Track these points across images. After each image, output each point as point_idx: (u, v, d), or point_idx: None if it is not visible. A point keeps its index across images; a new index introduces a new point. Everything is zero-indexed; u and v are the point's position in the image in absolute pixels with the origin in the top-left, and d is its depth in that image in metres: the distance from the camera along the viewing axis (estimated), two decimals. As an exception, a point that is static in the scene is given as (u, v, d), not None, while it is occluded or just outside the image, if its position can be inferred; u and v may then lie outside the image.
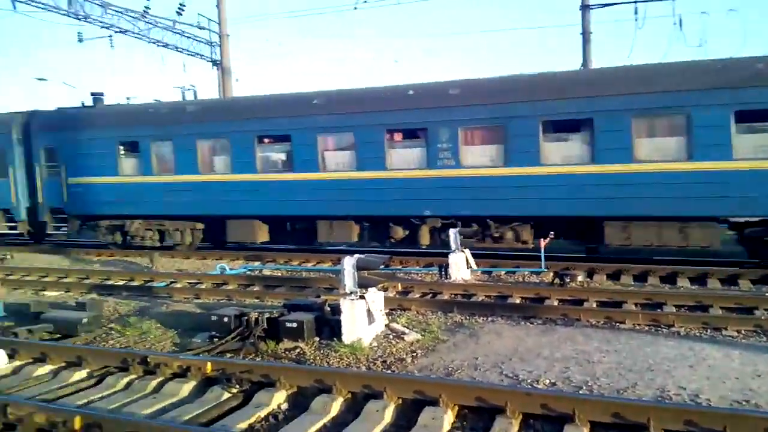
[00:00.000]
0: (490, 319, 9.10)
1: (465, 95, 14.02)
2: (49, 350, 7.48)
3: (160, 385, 6.40)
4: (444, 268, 12.48)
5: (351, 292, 7.75)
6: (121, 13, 25.44)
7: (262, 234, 16.63)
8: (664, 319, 8.62)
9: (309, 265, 15.44)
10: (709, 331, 8.20)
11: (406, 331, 8.19)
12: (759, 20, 52.65)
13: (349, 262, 7.78)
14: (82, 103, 20.06)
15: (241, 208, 16.23)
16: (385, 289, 10.51)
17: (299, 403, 5.81)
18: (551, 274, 11.99)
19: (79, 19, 24.04)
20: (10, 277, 13.82)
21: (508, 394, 5.33)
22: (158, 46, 27.65)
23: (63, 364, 7.23)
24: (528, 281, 12.24)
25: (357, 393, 5.77)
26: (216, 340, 7.94)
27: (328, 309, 8.30)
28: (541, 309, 9.53)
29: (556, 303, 10.10)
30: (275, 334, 7.80)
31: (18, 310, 10.09)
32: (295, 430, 5.19)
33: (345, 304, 7.65)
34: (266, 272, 14.51)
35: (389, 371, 6.72)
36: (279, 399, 5.86)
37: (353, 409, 5.60)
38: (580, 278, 11.65)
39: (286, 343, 7.68)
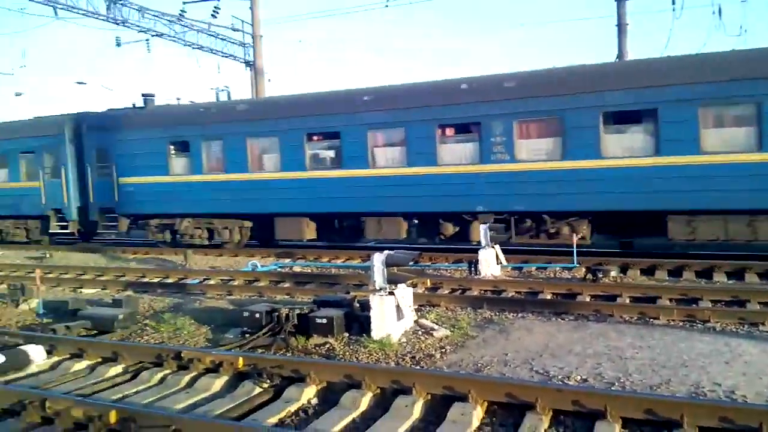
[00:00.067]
0: (520, 315, 9.02)
1: (521, 87, 13.74)
2: (86, 346, 7.67)
3: (194, 380, 6.50)
4: (473, 264, 12.41)
5: (380, 289, 7.75)
6: (157, 17, 25.99)
7: (310, 232, 16.65)
8: (699, 314, 8.43)
9: (338, 261, 15.51)
10: (745, 326, 8.00)
11: (435, 327, 8.17)
12: (800, 7, 50.96)
13: (378, 259, 7.79)
14: (133, 105, 20.37)
15: (289, 206, 16.30)
16: (414, 285, 10.50)
17: (329, 398, 5.85)
18: (583, 269, 11.84)
19: (117, 24, 24.67)
20: (49, 275, 14.18)
21: (538, 390, 5.27)
22: (193, 48, 28.17)
23: (99, 360, 7.39)
24: (559, 277, 12.11)
25: (386, 388, 5.78)
26: (248, 335, 8.03)
27: (358, 305, 8.32)
28: (572, 305, 9.43)
29: (588, 299, 9.98)
30: (305, 329, 7.87)
31: (56, 307, 10.37)
32: (325, 424, 5.22)
33: (374, 300, 7.67)
34: (296, 269, 14.64)
35: (418, 367, 6.71)
36: (309, 394, 5.91)
37: (382, 404, 5.61)
38: (613, 273, 11.50)
39: (316, 339, 7.74)
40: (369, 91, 15.65)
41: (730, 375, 5.98)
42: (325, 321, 7.77)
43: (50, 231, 20.73)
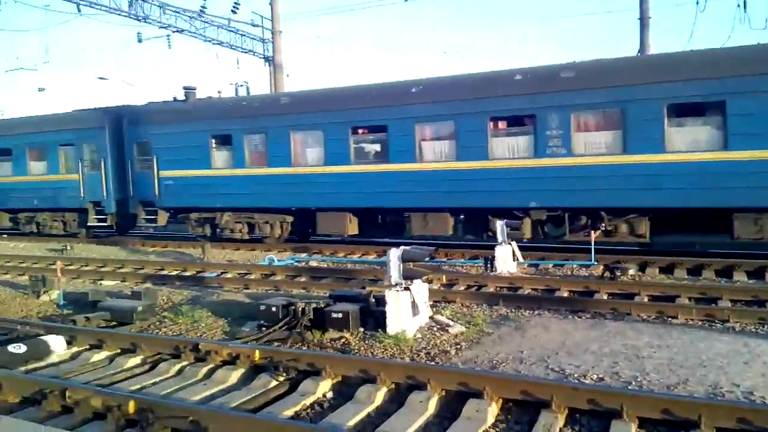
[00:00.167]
0: (536, 312, 8.98)
1: (579, 78, 13.32)
2: (105, 337, 7.79)
3: (211, 372, 6.57)
4: (490, 260, 12.35)
5: (396, 284, 7.77)
6: (178, 13, 26.24)
7: (352, 227, 16.46)
8: (718, 314, 8.33)
9: (354, 257, 15.54)
10: (765, 327, 7.88)
11: (451, 323, 8.17)
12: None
13: (394, 254, 7.81)
14: (174, 98, 20.35)
15: (332, 201, 16.09)
16: (429, 281, 10.50)
17: (344, 392, 5.88)
18: (601, 267, 11.74)
19: (139, 20, 24.93)
20: (70, 267, 14.38)
21: (553, 388, 5.25)
22: (213, 44, 28.38)
23: (118, 351, 7.49)
24: (577, 274, 12.03)
25: (401, 383, 5.80)
26: (264, 329, 8.09)
27: (373, 300, 8.35)
28: (589, 303, 9.36)
29: (605, 297, 9.91)
30: (321, 324, 7.91)
31: (77, 298, 10.54)
32: (340, 418, 5.25)
33: (390, 296, 7.68)
34: (312, 264, 14.69)
35: (433, 363, 6.72)
36: (324, 388, 5.95)
37: (397, 399, 5.63)
38: (631, 272, 11.38)
39: (332, 333, 7.77)
40: (417, 83, 15.30)
41: (749, 376, 5.91)
42: (340, 315, 7.81)
43: (88, 224, 20.78)
